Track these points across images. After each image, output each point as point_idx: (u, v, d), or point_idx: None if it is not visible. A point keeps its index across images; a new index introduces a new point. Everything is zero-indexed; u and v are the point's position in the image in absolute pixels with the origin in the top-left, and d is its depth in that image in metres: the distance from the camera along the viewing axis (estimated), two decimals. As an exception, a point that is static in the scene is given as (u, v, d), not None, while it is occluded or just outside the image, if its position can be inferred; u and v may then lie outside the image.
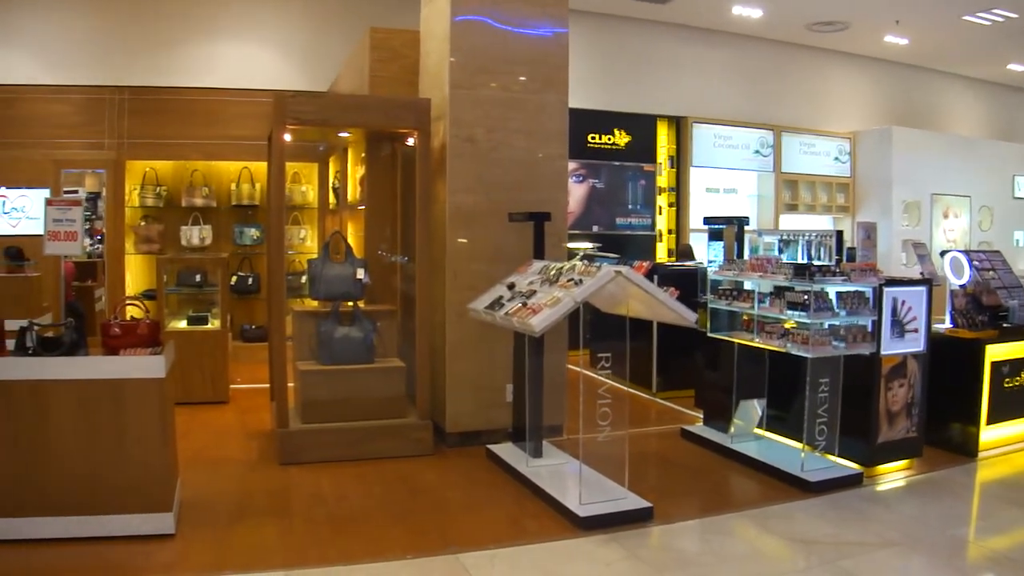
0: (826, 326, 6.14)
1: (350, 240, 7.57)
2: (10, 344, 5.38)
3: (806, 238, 6.81)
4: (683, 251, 12.78)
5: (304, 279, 10.66)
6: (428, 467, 6.71)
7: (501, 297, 6.29)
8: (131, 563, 4.85)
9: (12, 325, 5.42)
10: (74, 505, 5.10)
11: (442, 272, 7.17)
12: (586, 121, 12.95)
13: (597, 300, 5.83)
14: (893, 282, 6.58)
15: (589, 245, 11.82)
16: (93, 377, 5.08)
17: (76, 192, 11.54)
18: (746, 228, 7.79)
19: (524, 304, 5.88)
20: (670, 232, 14.54)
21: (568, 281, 5.74)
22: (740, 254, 7.53)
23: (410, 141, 7.27)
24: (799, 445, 6.51)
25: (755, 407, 7.10)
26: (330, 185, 9.75)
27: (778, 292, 6.43)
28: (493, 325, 6.42)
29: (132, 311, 5.75)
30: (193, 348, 8.47)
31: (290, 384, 6.97)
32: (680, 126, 14.59)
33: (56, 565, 4.83)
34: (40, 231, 11.26)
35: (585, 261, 5.94)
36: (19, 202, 11.45)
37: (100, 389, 5.08)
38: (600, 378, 5.74)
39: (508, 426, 7.06)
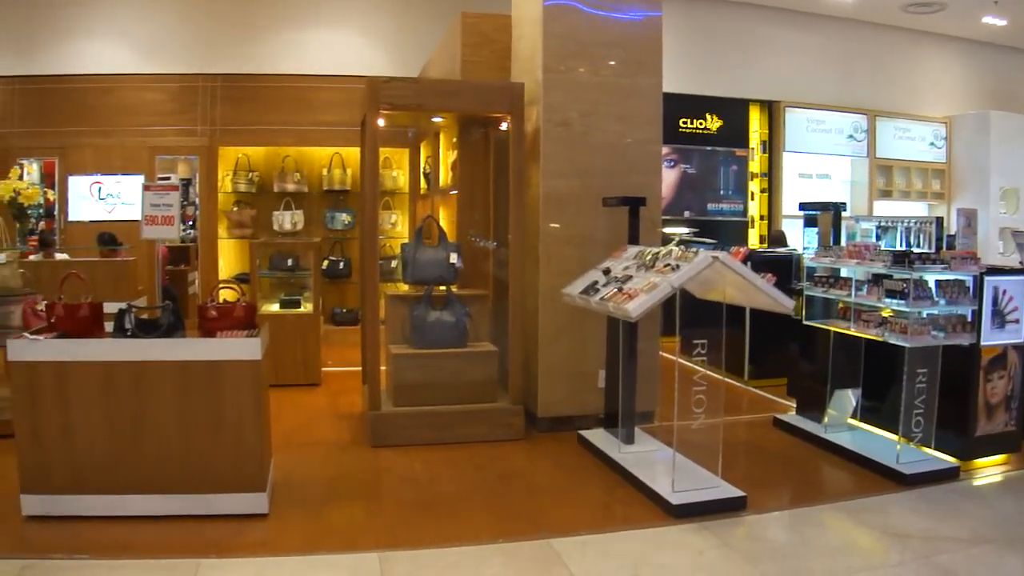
0: (925, 315, 6.00)
1: (442, 225, 7.57)
2: (109, 326, 5.48)
3: (905, 224, 6.67)
4: (775, 237, 12.61)
5: (395, 263, 10.72)
6: (519, 452, 6.71)
7: (596, 282, 6.24)
8: (226, 541, 4.92)
9: (109, 308, 5.52)
10: (171, 483, 5.21)
11: (535, 257, 7.15)
12: (678, 105, 12.84)
13: (691, 286, 5.76)
14: (994, 271, 6.39)
15: (685, 231, 11.73)
16: (190, 359, 5.16)
17: (168, 178, 11.68)
18: (843, 214, 7.66)
19: (620, 289, 5.84)
20: (762, 218, 14.37)
21: (665, 266, 5.68)
22: (837, 240, 7.40)
23: (503, 126, 7.25)
24: (894, 437, 6.36)
25: (849, 397, 6.97)
26: (421, 170, 9.76)
27: (876, 280, 6.30)
28: (586, 310, 6.39)
29: (227, 294, 5.81)
30: (285, 331, 8.57)
31: (382, 367, 7.01)
32: (772, 110, 14.40)
33: (154, 541, 4.92)
34: (134, 216, 11.53)
35: (681, 247, 5.87)
36: (114, 188, 11.67)
37: (197, 370, 5.16)
38: (691, 366, 5.66)
39: (599, 412, 7.02)
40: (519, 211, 6.98)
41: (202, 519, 5.18)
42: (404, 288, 7.52)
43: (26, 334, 5.41)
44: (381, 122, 6.91)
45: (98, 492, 5.19)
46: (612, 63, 7.28)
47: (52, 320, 5.50)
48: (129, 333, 5.28)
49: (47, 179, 11.40)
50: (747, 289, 5.63)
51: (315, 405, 8.25)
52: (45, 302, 7.15)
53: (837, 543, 5.11)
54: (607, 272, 6.25)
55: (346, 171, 11.89)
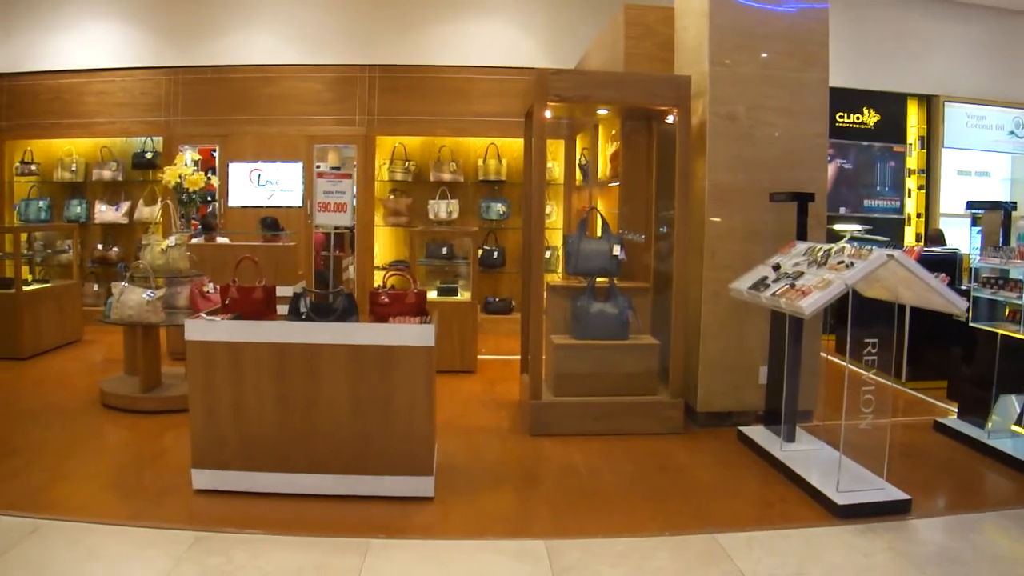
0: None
1: (598, 217, 7.58)
2: (281, 309, 5.65)
3: (1078, 226, 6.48)
4: (933, 236, 12.31)
5: (549, 254, 10.79)
6: (678, 446, 6.69)
7: (766, 278, 6.17)
8: (393, 523, 5.02)
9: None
10: (341, 464, 5.35)
11: (699, 251, 7.11)
12: (834, 99, 12.49)
13: (861, 284, 5.68)
14: None
15: (857, 227, 11.53)
16: (364, 343, 5.28)
17: (319, 167, 12.00)
18: (1013, 214, 7.45)
19: (792, 286, 5.78)
20: (919, 216, 14.04)
21: (838, 263, 5.60)
22: (1007, 241, 7.20)
23: (669, 119, 7.22)
24: (1063, 446, 6.20)
25: (1015, 403, 6.78)
26: (576, 162, 9.79)
27: (1050, 283, 6.13)
28: (747, 306, 6.34)
29: (394, 280, 5.92)
30: (443, 319, 8.68)
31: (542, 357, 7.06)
32: (931, 105, 14.02)
33: (322, 519, 5.06)
34: (292, 203, 11.84)
35: (854, 243, 5.78)
36: (273, 175, 11.98)
37: (370, 355, 5.28)
38: (851, 367, 5.57)
39: (758, 408, 6.98)
40: (684, 205, 6.95)
41: (369, 500, 5.31)
42: (554, 278, 7.54)
43: (203, 314, 5.60)
44: (548, 113, 6.95)
45: (267, 470, 5.38)
46: (778, 56, 7.19)
47: (226, 302, 5.69)
48: (304, 316, 5.43)
49: (201, 164, 11.72)
50: (919, 288, 5.50)
51: (473, 392, 8.38)
52: (211, 284, 7.39)
53: (1004, 552, 4.96)
54: (777, 268, 6.19)
55: (501, 161, 12.02)
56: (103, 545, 4.67)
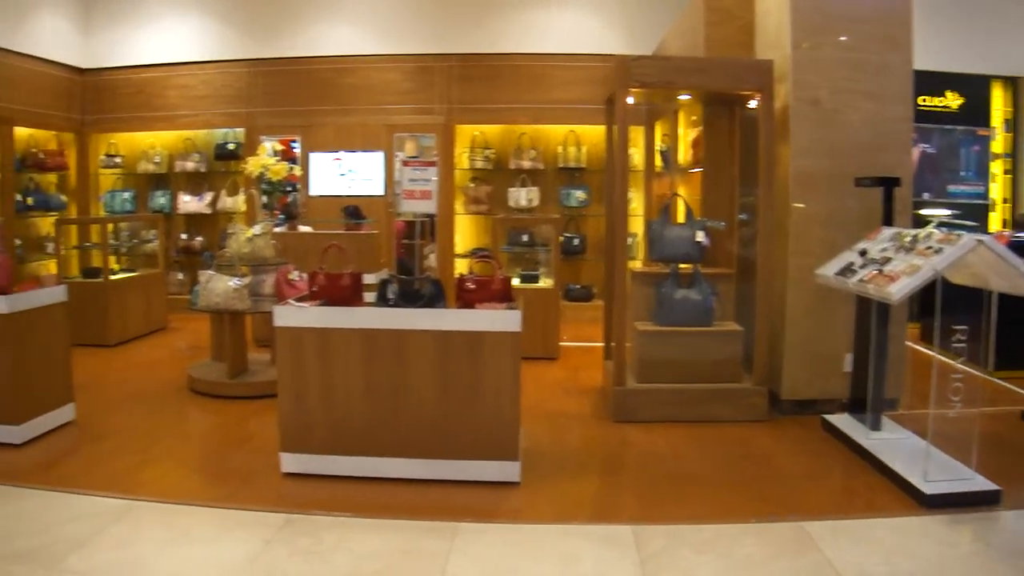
0: None
1: (681, 203, 7.56)
2: (368, 296, 5.72)
3: None
4: (1020, 221, 12.10)
5: (631, 240, 10.77)
6: (762, 433, 6.66)
7: (852, 263, 6.11)
8: (481, 507, 5.07)
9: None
10: (427, 449, 5.42)
11: (783, 236, 7.06)
12: (917, 82, 12.39)
13: (949, 270, 5.60)
14: None
15: (945, 212, 11.35)
16: (452, 329, 5.33)
17: (398, 156, 12.12)
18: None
19: (879, 271, 5.72)
20: (1004, 201, 13.79)
21: (926, 249, 5.54)
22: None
23: (750, 104, 7.18)
24: None
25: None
26: (656, 148, 9.76)
27: None
28: (832, 292, 6.29)
29: (479, 267, 5.96)
30: (525, 306, 8.68)
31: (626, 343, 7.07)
32: (1017, 87, 13.76)
33: (410, 503, 5.13)
34: (373, 191, 11.95)
35: (942, 229, 5.71)
36: (354, 164, 12.10)
37: (458, 340, 5.33)
38: (939, 356, 5.50)
39: (842, 396, 6.90)
40: (768, 190, 6.91)
41: (455, 484, 5.37)
42: (639, 265, 7.52)
43: (291, 301, 5.69)
44: (630, 100, 6.94)
45: (355, 454, 5.46)
46: (861, 39, 7.09)
47: (314, 288, 5.77)
48: (391, 302, 5.49)
49: (281, 155, 11.88)
50: (1011, 275, 5.43)
51: (555, 378, 8.42)
52: (296, 271, 7.49)
53: (1102, 545, 4.88)
54: (863, 253, 6.12)
55: (581, 149, 12.02)
56: (194, 526, 4.79)
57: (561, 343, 9.51)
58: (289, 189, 11.50)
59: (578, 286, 11.99)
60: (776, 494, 5.39)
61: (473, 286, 5.60)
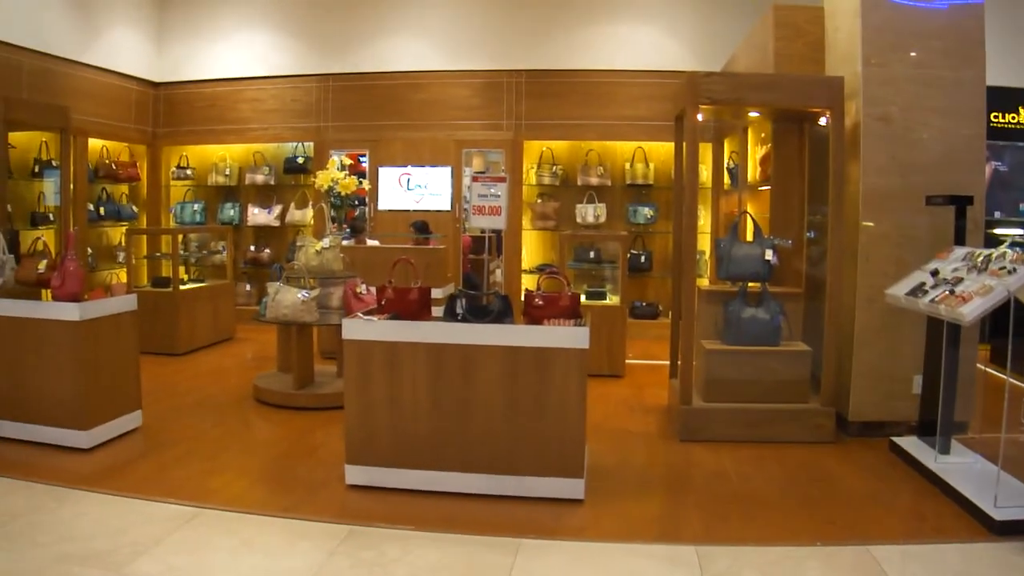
0: None
1: (749, 221, 7.52)
2: (435, 311, 5.75)
3: None
4: (1095, 241, 11.88)
5: (698, 258, 10.72)
6: (829, 455, 6.56)
7: (923, 283, 6.02)
8: (544, 523, 5.06)
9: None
10: (493, 464, 5.43)
11: (852, 256, 6.98)
12: (988, 98, 12.22)
13: (1022, 291, 5.52)
14: None
15: (1019, 232, 11.17)
16: (520, 344, 5.33)
17: (465, 171, 12.20)
18: None
19: (951, 292, 5.64)
20: (1078, 221, 13.56)
21: (999, 269, 5.45)
22: None
23: (820, 121, 7.12)
24: None
25: None
26: (724, 165, 9.72)
27: None
28: (901, 313, 6.21)
29: (547, 283, 5.95)
30: (592, 322, 8.69)
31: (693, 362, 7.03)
32: (1092, 104, 13.55)
33: (474, 518, 5.14)
34: (440, 207, 12.02)
35: (1016, 249, 5.62)
36: (422, 179, 12.18)
37: (526, 356, 5.33)
38: (1011, 379, 5.40)
39: (911, 419, 6.79)
40: (838, 209, 6.82)
41: (519, 500, 5.37)
42: (706, 283, 7.48)
43: (359, 314, 5.73)
44: (700, 116, 6.92)
45: (419, 467, 5.48)
46: (932, 55, 7.00)
47: (382, 302, 5.81)
48: (460, 317, 5.51)
49: (349, 169, 12.00)
50: (1086, 296, 5.34)
51: (621, 396, 8.39)
52: (364, 285, 7.54)
53: None
54: (935, 273, 6.04)
55: (648, 165, 12.00)
56: (258, 535, 4.84)
57: (627, 361, 9.47)
58: (357, 203, 11.60)
59: (644, 303, 11.94)
60: (842, 517, 5.31)
61: (541, 302, 5.59)
